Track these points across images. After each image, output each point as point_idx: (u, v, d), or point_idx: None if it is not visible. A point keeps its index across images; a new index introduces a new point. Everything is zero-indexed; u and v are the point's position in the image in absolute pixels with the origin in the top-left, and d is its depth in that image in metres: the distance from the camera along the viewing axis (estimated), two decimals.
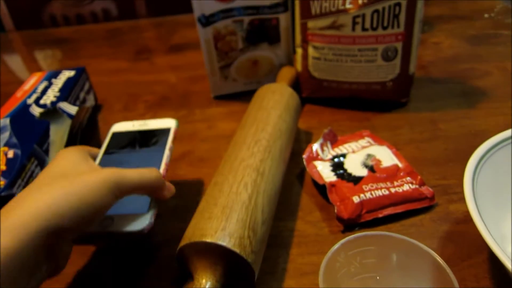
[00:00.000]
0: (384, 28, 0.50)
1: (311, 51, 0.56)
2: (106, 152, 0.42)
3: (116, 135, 0.44)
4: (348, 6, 0.50)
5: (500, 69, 0.62)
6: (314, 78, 0.57)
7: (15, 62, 0.95)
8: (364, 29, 0.50)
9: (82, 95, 0.62)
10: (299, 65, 0.59)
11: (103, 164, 0.40)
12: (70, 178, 0.30)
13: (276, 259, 0.37)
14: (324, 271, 0.28)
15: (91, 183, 0.29)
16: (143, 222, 0.34)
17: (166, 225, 0.42)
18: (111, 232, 0.34)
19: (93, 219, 0.29)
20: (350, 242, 0.30)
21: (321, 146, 0.48)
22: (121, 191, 0.31)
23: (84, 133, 0.59)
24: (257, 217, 0.34)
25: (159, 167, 0.39)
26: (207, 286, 0.30)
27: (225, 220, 0.32)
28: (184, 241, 0.32)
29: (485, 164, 0.35)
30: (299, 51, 0.58)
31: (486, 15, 0.82)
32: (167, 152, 0.40)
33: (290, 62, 0.63)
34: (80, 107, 0.58)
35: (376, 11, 0.49)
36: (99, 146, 0.43)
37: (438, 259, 0.28)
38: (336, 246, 0.30)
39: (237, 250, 0.30)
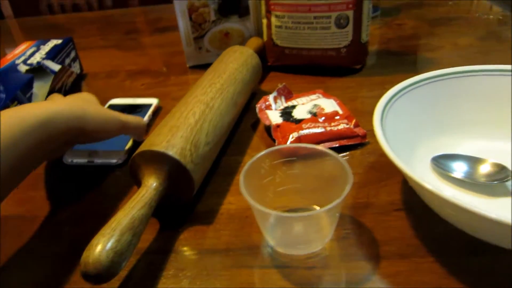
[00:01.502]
0: None
1: (273, 20, 0.61)
2: None
3: (112, 106, 0.58)
4: None
5: (451, 44, 0.68)
6: (277, 46, 0.63)
7: (12, 47, 1.01)
8: None
9: (67, 61, 0.68)
10: (265, 35, 0.65)
11: None
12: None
13: (222, 183, 0.42)
14: (246, 173, 0.33)
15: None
16: (116, 156, 0.47)
17: None
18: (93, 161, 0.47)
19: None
20: (275, 151, 0.35)
21: (275, 98, 0.53)
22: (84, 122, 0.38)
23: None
24: (201, 138, 0.39)
25: None
26: (153, 186, 0.35)
27: (170, 136, 0.37)
28: (135, 153, 0.37)
29: (390, 110, 0.39)
30: (264, 21, 0.64)
31: (450, 2, 0.88)
32: (146, 118, 0.54)
33: (260, 34, 0.69)
34: (63, 66, 0.64)
35: None
36: None
37: (342, 161, 0.33)
38: (261, 153, 0.35)
39: (177, 157, 0.35)
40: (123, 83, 0.68)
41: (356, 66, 0.62)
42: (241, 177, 0.32)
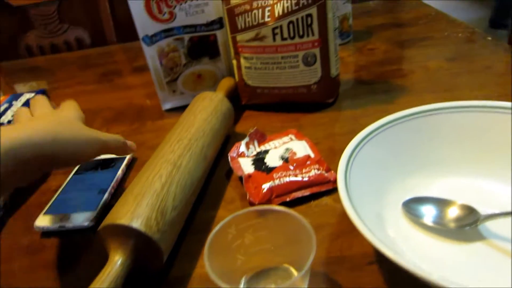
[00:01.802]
0: (301, 36, 0.56)
1: (242, 61, 0.61)
2: (75, 173, 0.55)
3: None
4: (267, 19, 0.56)
5: (422, 68, 0.68)
6: (248, 86, 0.63)
7: None
8: (283, 38, 0.56)
9: None
10: (236, 75, 0.65)
11: (71, 182, 0.53)
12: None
13: (195, 242, 0.42)
14: (211, 243, 0.32)
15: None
16: (87, 218, 0.46)
17: None
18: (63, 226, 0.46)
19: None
20: (239, 216, 0.35)
21: (247, 144, 0.53)
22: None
23: None
24: (168, 203, 0.39)
25: (111, 182, 0.51)
26: (118, 262, 0.34)
27: (135, 205, 0.37)
28: (100, 227, 0.36)
29: (356, 158, 0.39)
30: (234, 62, 0.64)
31: (421, 22, 0.89)
32: (119, 172, 0.54)
33: (232, 73, 0.69)
34: None
35: (291, 22, 0.55)
36: None
37: (305, 223, 0.33)
38: (226, 219, 0.34)
39: (142, 229, 0.35)
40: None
41: (328, 100, 0.62)
42: (205, 251, 0.32)
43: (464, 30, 0.80)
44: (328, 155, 0.50)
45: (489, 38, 0.75)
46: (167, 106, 0.71)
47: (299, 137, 0.53)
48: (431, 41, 0.78)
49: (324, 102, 0.62)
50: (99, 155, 0.41)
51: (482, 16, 3.11)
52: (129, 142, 0.47)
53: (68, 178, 0.54)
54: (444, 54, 0.72)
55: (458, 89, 0.60)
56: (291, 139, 0.53)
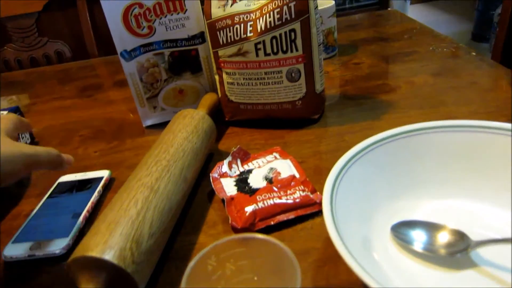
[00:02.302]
0: (284, 52, 0.55)
1: (225, 77, 0.60)
2: (49, 197, 0.52)
3: (60, 184, 0.55)
4: (249, 34, 0.54)
5: (407, 83, 0.68)
6: (232, 102, 0.61)
7: None
8: (266, 54, 0.55)
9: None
10: (219, 90, 0.63)
11: (44, 206, 0.50)
12: None
13: (174, 271, 0.39)
14: (189, 275, 0.30)
15: None
16: (60, 245, 0.43)
17: None
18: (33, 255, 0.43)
19: None
20: (220, 245, 0.33)
21: (229, 164, 0.51)
22: None
23: None
24: (144, 231, 0.36)
25: (86, 206, 0.49)
26: None
27: (108, 235, 0.34)
28: (69, 259, 0.34)
29: (342, 179, 0.38)
30: (216, 77, 0.62)
31: (405, 36, 0.89)
32: (95, 194, 0.51)
33: (215, 88, 0.67)
34: None
35: (274, 37, 0.54)
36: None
37: (288, 253, 0.31)
38: (205, 250, 0.32)
39: (115, 261, 0.33)
40: (76, 151, 0.65)
41: (313, 116, 0.60)
42: (182, 285, 0.29)
43: (449, 45, 0.80)
44: (314, 175, 0.49)
45: (474, 53, 0.75)
46: (148, 122, 0.68)
47: (283, 155, 0.52)
48: (416, 56, 0.78)
49: (309, 118, 0.61)
50: (27, 171, 0.37)
51: (464, 30, 3.17)
52: (65, 156, 0.43)
53: (41, 202, 0.51)
54: (430, 69, 0.71)
55: (444, 105, 0.59)
56: (276, 158, 0.51)
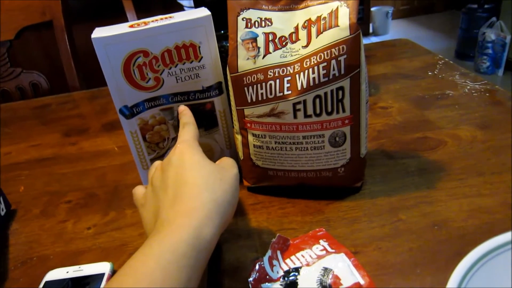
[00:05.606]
0: (329, 113, 0.45)
1: (251, 139, 0.49)
2: None
3: (48, 284, 0.43)
4: (286, 92, 0.45)
5: (452, 137, 0.59)
6: (258, 167, 0.51)
7: None
8: (306, 115, 0.45)
9: None
10: (240, 152, 0.53)
11: None
12: None
13: None
14: None
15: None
16: None
17: None
18: None
19: None
20: None
21: (270, 260, 0.40)
22: None
23: None
24: None
25: None
26: None
27: None
28: None
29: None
30: (238, 137, 0.52)
31: (430, 73, 0.81)
32: None
33: (232, 146, 0.57)
34: None
35: (318, 96, 0.44)
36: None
37: None
38: None
39: None
40: (63, 226, 0.53)
41: (356, 184, 0.51)
42: None
43: (483, 86, 0.73)
44: (377, 276, 0.39)
45: None
46: None
47: (334, 245, 0.42)
48: (450, 100, 0.70)
49: (351, 187, 0.51)
50: None
51: (447, 46, 3.19)
52: None
53: None
54: (473, 119, 0.63)
55: (508, 171, 0.51)
56: (326, 251, 0.41)
